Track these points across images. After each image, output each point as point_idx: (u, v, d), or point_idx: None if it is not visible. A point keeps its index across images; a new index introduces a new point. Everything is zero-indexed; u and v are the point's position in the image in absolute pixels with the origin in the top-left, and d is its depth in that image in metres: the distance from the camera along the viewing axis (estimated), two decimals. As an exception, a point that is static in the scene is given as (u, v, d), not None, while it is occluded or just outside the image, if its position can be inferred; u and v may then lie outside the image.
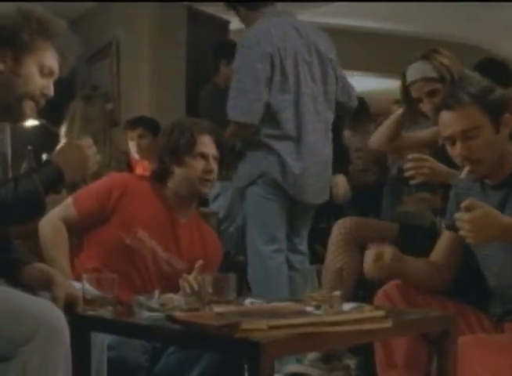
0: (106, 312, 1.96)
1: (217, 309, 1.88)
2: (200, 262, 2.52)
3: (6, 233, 2.14)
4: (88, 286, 1.99)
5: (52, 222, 2.66)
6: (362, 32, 7.22)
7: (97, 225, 2.71)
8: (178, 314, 1.82)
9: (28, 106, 2.07)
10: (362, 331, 1.78)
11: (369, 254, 2.36)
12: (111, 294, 1.98)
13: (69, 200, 2.73)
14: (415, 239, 2.95)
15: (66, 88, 2.24)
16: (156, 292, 2.03)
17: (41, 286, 2.06)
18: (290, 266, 3.77)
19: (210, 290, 1.96)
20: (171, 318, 1.79)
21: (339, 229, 3.10)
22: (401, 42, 7.18)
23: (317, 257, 4.12)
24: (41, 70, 2.07)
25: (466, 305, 2.42)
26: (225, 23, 5.70)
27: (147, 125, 4.90)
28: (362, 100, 6.74)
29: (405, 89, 3.03)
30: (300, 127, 3.66)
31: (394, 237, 3.05)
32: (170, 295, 2.04)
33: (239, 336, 1.60)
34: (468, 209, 2.07)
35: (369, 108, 6.78)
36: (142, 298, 1.99)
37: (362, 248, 3.07)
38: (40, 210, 2.07)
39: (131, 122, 5.00)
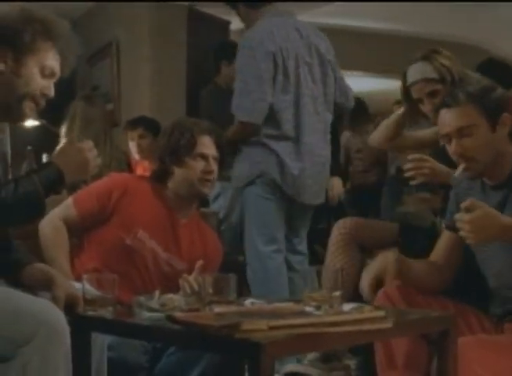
0: (107, 313, 1.96)
1: (217, 309, 1.88)
2: (200, 263, 2.52)
3: (6, 234, 2.14)
4: (88, 286, 1.99)
5: (53, 223, 2.66)
6: (362, 32, 7.22)
7: (97, 226, 2.71)
8: (178, 314, 1.82)
9: (28, 106, 2.07)
10: (362, 332, 1.78)
11: (367, 278, 2.36)
12: (111, 294, 1.98)
13: (69, 200, 2.73)
14: (415, 239, 2.95)
15: (66, 88, 2.24)
16: (157, 292, 2.03)
17: (42, 286, 2.06)
18: (290, 267, 3.77)
19: (210, 290, 1.96)
20: (171, 318, 1.79)
21: (339, 229, 3.10)
22: (400, 42, 7.19)
23: (317, 257, 4.12)
24: (42, 70, 2.07)
25: (466, 305, 2.42)
26: (226, 24, 5.70)
27: (147, 125, 4.90)
28: (360, 101, 6.76)
29: (406, 90, 3.03)
30: (299, 128, 3.67)
31: (394, 238, 3.05)
32: (170, 296, 2.04)
33: (239, 336, 1.60)
34: (468, 210, 2.07)
35: (368, 109, 6.80)
36: (142, 299, 1.99)
37: (362, 248, 3.09)
38: (40, 211, 2.06)
39: (132, 122, 5.00)
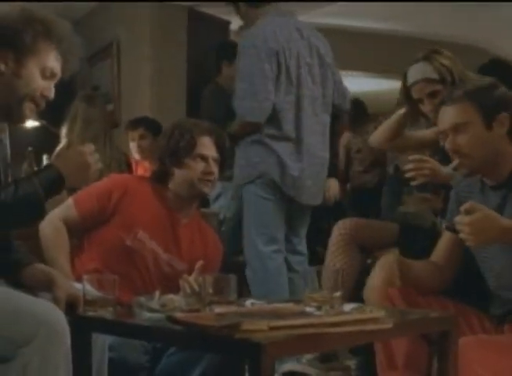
0: (107, 313, 1.96)
1: (217, 309, 1.88)
2: (200, 263, 2.52)
3: (7, 234, 2.14)
4: (88, 287, 1.99)
5: (53, 223, 2.66)
6: (361, 32, 7.22)
7: (98, 226, 2.71)
8: (178, 315, 1.82)
9: (28, 107, 2.07)
10: (363, 332, 1.78)
11: (377, 289, 2.35)
12: (112, 295, 1.98)
13: (69, 200, 2.73)
14: (415, 240, 2.95)
15: (66, 88, 2.24)
16: (157, 293, 2.03)
17: (42, 287, 2.06)
18: (290, 267, 3.77)
19: (210, 290, 1.96)
20: (171, 319, 1.79)
21: (339, 229, 3.10)
22: (399, 43, 7.19)
23: (317, 258, 4.12)
24: (43, 72, 2.06)
25: (467, 305, 2.42)
26: (226, 24, 5.71)
27: (148, 126, 4.91)
28: (360, 101, 6.78)
29: (406, 90, 3.03)
30: (300, 128, 3.67)
31: (394, 238, 3.05)
32: (170, 296, 2.04)
33: (239, 337, 1.60)
34: (468, 212, 2.08)
35: (367, 109, 6.81)
36: (142, 299, 1.99)
37: (362, 249, 3.09)
38: (40, 214, 2.06)
39: (133, 123, 5.00)
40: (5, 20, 2.03)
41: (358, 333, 1.77)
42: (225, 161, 2.86)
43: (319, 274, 3.49)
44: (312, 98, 3.73)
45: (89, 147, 2.13)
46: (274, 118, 3.61)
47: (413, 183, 2.86)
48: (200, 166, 2.74)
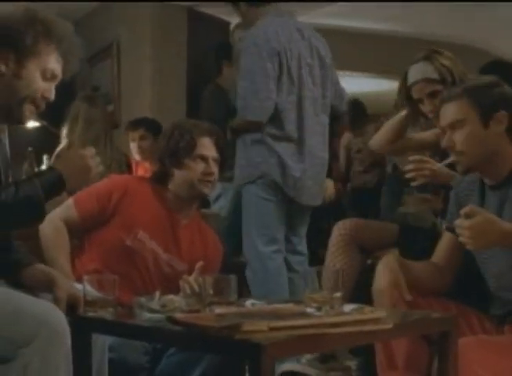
0: (107, 314, 1.96)
1: (217, 310, 1.88)
2: (200, 264, 2.52)
3: (7, 234, 2.14)
4: (88, 287, 1.99)
5: (53, 223, 2.66)
6: (360, 33, 7.22)
7: (98, 227, 2.71)
8: (178, 315, 1.82)
9: (28, 109, 2.07)
10: (363, 332, 1.78)
11: (386, 295, 2.34)
12: (112, 295, 1.98)
13: (70, 201, 2.73)
14: (415, 240, 2.95)
15: (66, 89, 2.24)
16: (157, 293, 2.03)
17: (43, 287, 2.06)
18: (290, 268, 3.77)
19: (210, 291, 1.96)
20: (171, 319, 1.79)
21: (339, 230, 3.10)
22: (399, 43, 7.19)
23: (317, 258, 4.12)
24: (44, 73, 2.06)
25: (467, 306, 2.42)
26: (226, 24, 5.71)
27: (148, 127, 4.90)
28: (359, 102, 6.79)
29: (407, 90, 3.03)
30: (301, 129, 3.68)
31: (394, 239, 3.05)
32: (170, 297, 2.04)
33: (239, 337, 1.60)
34: (468, 216, 2.07)
35: (367, 110, 6.82)
36: (142, 300, 1.99)
37: (362, 249, 3.08)
38: (40, 215, 2.05)
39: (133, 123, 5.00)
40: (7, 21, 2.03)
41: (359, 333, 1.77)
42: (225, 162, 2.86)
43: (319, 274, 3.49)
44: (313, 99, 3.73)
45: (90, 150, 2.13)
46: (276, 118, 3.62)
47: (413, 184, 2.86)
48: (199, 167, 2.74)
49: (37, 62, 2.05)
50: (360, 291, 2.98)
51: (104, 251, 2.68)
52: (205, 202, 3.92)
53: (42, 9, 2.09)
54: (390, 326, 1.81)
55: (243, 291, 3.32)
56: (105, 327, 2.01)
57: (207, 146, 2.77)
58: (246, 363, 1.94)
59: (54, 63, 2.08)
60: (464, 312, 2.36)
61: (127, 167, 4.45)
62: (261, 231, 3.65)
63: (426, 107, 3.00)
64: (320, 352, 3.15)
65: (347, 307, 1.90)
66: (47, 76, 2.07)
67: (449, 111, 2.38)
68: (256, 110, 3.57)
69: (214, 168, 2.77)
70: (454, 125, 2.36)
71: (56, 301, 1.99)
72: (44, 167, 4.33)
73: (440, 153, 2.84)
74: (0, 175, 2.08)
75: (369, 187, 6.36)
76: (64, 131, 4.23)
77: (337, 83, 3.92)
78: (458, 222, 2.10)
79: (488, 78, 2.46)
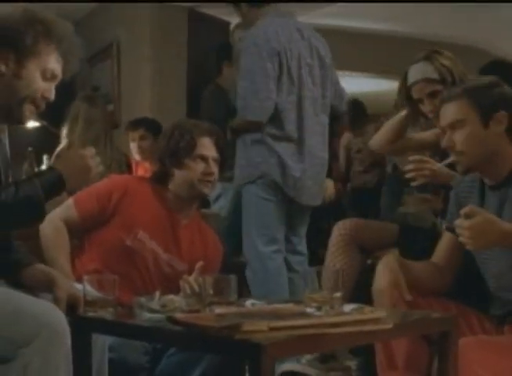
0: (107, 314, 1.96)
1: (217, 310, 1.88)
2: (200, 264, 2.52)
3: (7, 234, 2.14)
4: (88, 287, 1.99)
5: (53, 223, 2.66)
6: (361, 33, 7.23)
7: (98, 227, 2.71)
8: (178, 315, 1.82)
9: (28, 109, 2.07)
10: (363, 333, 1.78)
11: (387, 295, 2.34)
12: (112, 295, 1.98)
13: (70, 201, 2.73)
14: (415, 240, 2.95)
15: (66, 89, 2.24)
16: (157, 293, 2.03)
17: (43, 287, 2.06)
18: (290, 268, 3.77)
19: (210, 291, 1.96)
20: (171, 319, 1.79)
21: (339, 230, 3.10)
22: (399, 43, 7.20)
23: (317, 258, 4.13)
24: (44, 73, 2.06)
25: (467, 306, 2.42)
26: (226, 25, 5.71)
27: (148, 127, 4.90)
28: (359, 102, 6.79)
29: (407, 90, 3.03)
30: (301, 129, 3.68)
31: (394, 239, 3.05)
32: (171, 297, 2.04)
33: (239, 337, 1.60)
34: (468, 216, 2.07)
35: (367, 110, 6.82)
36: (142, 300, 1.99)
37: (362, 249, 3.09)
38: (40, 215, 2.05)
39: (133, 123, 5.00)
40: (7, 21, 2.03)
41: (359, 333, 1.77)
42: (225, 162, 2.86)
43: (319, 274, 3.49)
44: (313, 99, 3.73)
45: (90, 150, 2.13)
46: (276, 118, 3.62)
47: (413, 184, 2.86)
48: (200, 167, 2.74)
49: (37, 62, 2.05)
50: (360, 291, 2.98)
51: (104, 251, 2.68)
52: (205, 202, 3.92)
53: (42, 9, 2.09)
54: (390, 326, 1.81)
55: (243, 291, 3.32)
56: (105, 327, 2.01)
57: (207, 146, 2.77)
58: (246, 363, 1.94)
59: (54, 63, 2.08)
60: (464, 313, 2.36)
61: (127, 167, 4.45)
62: (261, 231, 3.65)
63: (426, 107, 3.00)
64: (320, 352, 3.15)
65: (347, 307, 1.90)
66: (47, 76, 2.07)
67: (449, 111, 2.38)
68: (256, 110, 3.58)
69: (214, 168, 2.77)
70: (454, 125, 2.36)
71: (56, 301, 1.99)
72: (44, 167, 4.33)
73: (440, 153, 2.85)
74: (0, 175, 2.08)
75: (369, 187, 6.36)
76: (64, 131, 4.23)
77: (336, 83, 3.92)
78: (458, 222, 2.10)
79: (488, 78, 2.46)
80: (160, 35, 5.81)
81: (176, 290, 2.33)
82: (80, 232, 2.74)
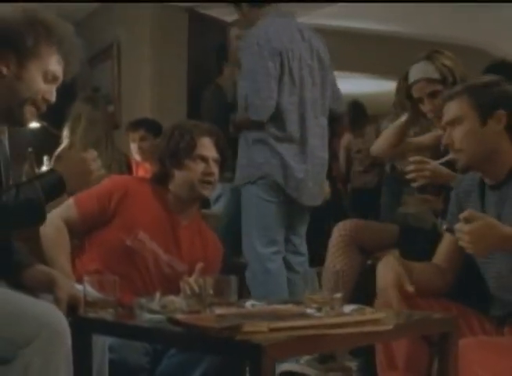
0: (108, 315, 1.96)
1: (218, 311, 1.88)
2: (200, 265, 2.52)
3: (7, 235, 2.14)
4: (89, 288, 1.99)
5: (54, 223, 2.65)
6: (363, 34, 7.23)
7: (98, 227, 2.71)
8: (179, 316, 1.82)
9: (29, 111, 2.07)
10: (363, 333, 1.78)
11: (394, 295, 2.32)
12: (112, 296, 1.98)
13: (70, 200, 2.73)
14: (415, 241, 2.95)
15: (67, 90, 2.24)
16: (158, 294, 2.03)
17: (43, 288, 2.06)
18: (290, 268, 3.77)
19: (211, 292, 1.96)
20: (172, 320, 1.79)
21: (339, 231, 3.10)
22: (401, 44, 7.20)
23: (317, 259, 4.13)
24: (45, 75, 2.06)
25: (467, 307, 2.42)
26: (226, 25, 5.70)
27: (149, 127, 4.91)
28: (359, 103, 6.80)
29: (407, 89, 3.04)
30: (303, 129, 3.68)
31: (394, 239, 3.05)
32: (171, 297, 2.04)
33: (240, 338, 1.61)
34: (467, 220, 2.07)
35: (367, 111, 6.83)
36: (143, 300, 1.99)
37: (363, 250, 3.09)
38: (40, 217, 2.04)
39: (133, 124, 5.01)
40: (8, 23, 2.02)
41: (359, 334, 1.77)
42: (226, 162, 2.86)
43: (319, 275, 3.49)
44: (313, 100, 3.74)
45: (92, 153, 2.13)
46: (278, 119, 3.62)
47: (414, 185, 2.86)
48: (200, 167, 2.74)
49: (38, 64, 2.05)
50: (360, 292, 2.99)
51: (104, 252, 2.68)
52: (205, 203, 3.92)
53: (42, 9, 2.09)
54: (390, 327, 1.81)
55: (244, 292, 3.32)
56: (105, 327, 2.01)
57: (207, 147, 2.77)
58: (246, 364, 1.94)
59: (55, 64, 2.08)
60: (464, 313, 2.36)
61: (127, 167, 4.45)
62: (260, 232, 3.64)
63: (426, 107, 3.00)
64: (319, 353, 3.15)
65: (348, 308, 1.90)
66: (48, 78, 2.07)
67: (450, 109, 2.39)
68: (258, 110, 3.58)
69: (215, 169, 2.77)
70: (453, 123, 2.37)
71: (57, 301, 1.99)
72: (44, 167, 4.33)
73: (440, 155, 2.84)
74: (1, 176, 2.08)
75: (370, 188, 6.37)
76: (65, 132, 4.22)
77: (334, 85, 3.92)
78: (458, 226, 2.10)
79: (489, 77, 2.47)
80: (160, 35, 5.82)
81: (176, 290, 2.33)
82: (80, 232, 2.74)
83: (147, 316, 1.93)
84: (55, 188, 2.04)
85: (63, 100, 2.27)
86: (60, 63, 2.09)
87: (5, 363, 1.78)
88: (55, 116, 3.78)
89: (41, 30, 2.04)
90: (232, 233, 3.77)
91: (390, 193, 4.83)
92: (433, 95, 2.96)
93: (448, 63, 2.98)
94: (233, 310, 1.91)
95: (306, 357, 3.24)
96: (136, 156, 4.92)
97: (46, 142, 4.75)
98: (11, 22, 2.02)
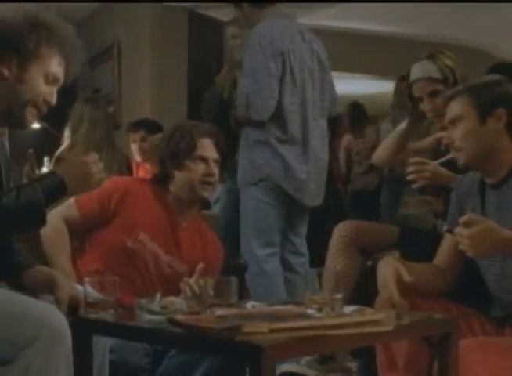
0: (108, 315, 1.97)
1: (218, 312, 1.88)
2: (200, 266, 2.52)
3: (7, 237, 2.14)
4: (89, 289, 1.99)
5: (54, 223, 2.65)
6: (364, 35, 7.23)
7: (99, 227, 2.71)
8: (179, 317, 1.82)
9: (30, 113, 2.07)
10: (364, 334, 1.78)
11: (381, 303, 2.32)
12: (113, 297, 1.98)
13: (71, 200, 2.72)
14: (416, 242, 2.95)
15: (68, 91, 2.24)
16: (158, 295, 2.03)
17: (44, 289, 2.06)
18: (291, 269, 3.77)
19: (211, 293, 1.96)
20: (172, 321, 1.79)
21: (339, 231, 3.10)
22: (403, 45, 7.20)
23: (318, 259, 4.13)
24: (46, 77, 2.06)
25: (467, 308, 2.42)
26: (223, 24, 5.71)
27: (149, 128, 4.90)
28: (359, 104, 6.80)
29: (408, 87, 3.05)
30: (305, 130, 3.68)
31: (394, 240, 3.05)
32: (171, 298, 2.04)
33: (240, 339, 1.61)
34: (467, 224, 2.08)
35: (367, 112, 6.83)
36: (143, 301, 1.99)
37: (363, 251, 3.09)
38: (41, 220, 2.04)
39: (134, 125, 5.00)
40: (9, 25, 2.02)
41: (359, 335, 1.77)
42: (226, 163, 2.86)
43: (319, 276, 3.49)
44: (313, 101, 3.74)
45: (93, 156, 2.12)
46: (280, 119, 3.62)
47: (414, 186, 2.86)
48: (200, 168, 2.74)
49: (39, 66, 2.05)
50: (360, 293, 2.99)
51: (105, 252, 2.68)
52: (206, 203, 3.92)
53: (42, 10, 2.09)
54: (390, 328, 1.81)
55: (244, 293, 3.32)
56: (106, 328, 2.01)
57: (208, 148, 2.77)
58: (246, 365, 1.94)
59: (56, 66, 2.08)
60: (465, 314, 2.36)
61: (127, 168, 4.45)
62: (258, 234, 3.64)
63: (426, 106, 3.01)
64: (320, 354, 3.16)
65: (348, 309, 1.90)
66: (49, 80, 2.07)
67: (451, 109, 2.40)
68: (259, 109, 3.58)
69: (215, 169, 2.77)
70: (454, 122, 2.38)
71: (57, 302, 1.99)
72: (44, 168, 4.34)
73: (440, 157, 2.84)
74: (1, 177, 2.08)
75: (370, 189, 6.37)
76: (66, 133, 4.22)
77: (332, 89, 3.92)
78: (457, 230, 2.11)
79: (489, 77, 2.48)
80: (160, 36, 5.82)
81: (177, 291, 2.34)
82: (81, 232, 2.74)
83: (147, 316, 1.93)
84: (56, 190, 2.04)
85: (63, 101, 2.27)
86: (61, 64, 2.10)
87: (5, 363, 1.79)
88: (55, 117, 3.79)
89: (42, 31, 2.04)
90: (231, 233, 3.76)
91: (389, 193, 4.83)
92: (433, 94, 2.97)
93: (449, 63, 2.98)
94: (233, 311, 1.91)
95: (306, 358, 3.24)
96: (137, 157, 4.91)
97: (47, 143, 4.75)
98: (12, 24, 2.02)
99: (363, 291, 2.98)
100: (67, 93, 2.29)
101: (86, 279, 2.01)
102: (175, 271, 2.70)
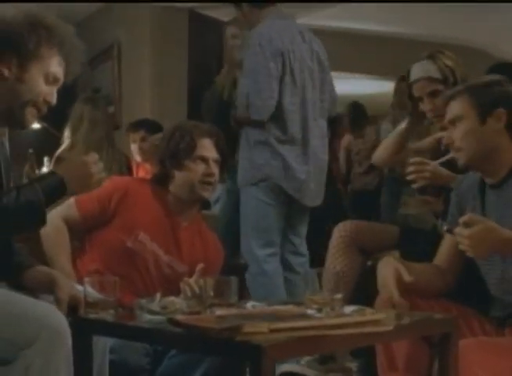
0: (108, 316, 1.97)
1: (218, 312, 1.88)
2: (200, 266, 2.52)
3: (7, 237, 2.14)
4: (89, 289, 1.99)
5: (54, 222, 2.64)
6: (364, 35, 7.23)
7: (99, 227, 2.71)
8: (179, 317, 1.82)
9: (30, 113, 2.07)
10: (364, 334, 1.78)
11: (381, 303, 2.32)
12: (113, 297, 1.98)
13: (71, 200, 2.72)
14: (416, 242, 2.95)
15: (68, 91, 2.24)
16: (158, 295, 2.03)
17: (44, 289, 2.06)
18: (291, 269, 3.77)
19: (211, 293, 1.96)
20: (172, 321, 1.79)
21: (339, 232, 3.10)
22: (403, 45, 7.20)
23: (318, 259, 4.13)
24: (46, 77, 2.06)
25: (467, 308, 2.42)
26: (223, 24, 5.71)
27: (149, 128, 4.90)
28: (359, 104, 6.81)
29: (408, 87, 3.05)
30: (305, 130, 3.68)
31: (394, 241, 3.05)
32: (171, 298, 2.04)
33: (240, 339, 1.61)
34: (467, 225, 2.08)
35: (367, 112, 6.83)
36: (143, 301, 1.99)
37: (363, 251, 3.09)
38: (41, 220, 2.04)
39: (134, 125, 5.01)
40: (9, 25, 2.03)
41: (359, 335, 1.77)
42: (226, 163, 2.86)
43: (319, 276, 3.49)
44: (313, 102, 3.74)
45: (93, 156, 2.12)
46: (280, 120, 3.62)
47: (414, 186, 2.86)
48: (200, 168, 2.74)
49: (39, 66, 2.05)
50: (360, 293, 2.99)
51: (105, 252, 2.68)
52: (206, 203, 3.92)
53: (42, 11, 2.09)
54: (390, 328, 1.81)
55: (244, 293, 3.32)
56: (106, 328, 2.01)
57: (208, 148, 2.77)
58: (246, 365, 1.94)
59: (56, 66, 2.08)
60: (465, 314, 2.36)
61: (127, 168, 4.45)
62: (258, 234, 3.64)
63: (425, 106, 3.01)
64: (320, 354, 3.16)
65: (348, 309, 1.90)
66: (49, 80, 2.07)
67: (451, 108, 2.40)
68: (259, 110, 3.58)
69: (215, 169, 2.77)
70: (454, 122, 2.38)
71: (57, 302, 1.99)
72: (44, 168, 4.34)
73: (440, 157, 2.84)
74: (1, 177, 2.09)
75: (370, 189, 6.37)
76: (66, 133, 4.22)
77: (332, 89, 3.92)
78: (457, 230, 2.11)
79: (489, 77, 2.48)
80: (160, 36, 5.82)
81: (177, 291, 2.33)
82: (80, 232, 2.74)
83: (147, 316, 1.93)
84: (56, 191, 2.04)
85: (63, 101, 2.27)
86: (61, 64, 2.10)
87: (5, 363, 1.79)
88: (55, 117, 3.79)
89: (42, 32, 2.04)
90: (231, 233, 3.76)
91: (390, 193, 4.83)
92: (433, 94, 2.97)
93: (449, 63, 2.98)
94: (233, 311, 1.91)
95: (306, 358, 3.24)
96: (137, 157, 4.92)
97: (47, 143, 4.76)
98: (12, 24, 2.03)
99: (363, 291, 2.98)
100: (67, 93, 2.29)
101: (86, 279, 2.01)
102: (175, 271, 2.70)
